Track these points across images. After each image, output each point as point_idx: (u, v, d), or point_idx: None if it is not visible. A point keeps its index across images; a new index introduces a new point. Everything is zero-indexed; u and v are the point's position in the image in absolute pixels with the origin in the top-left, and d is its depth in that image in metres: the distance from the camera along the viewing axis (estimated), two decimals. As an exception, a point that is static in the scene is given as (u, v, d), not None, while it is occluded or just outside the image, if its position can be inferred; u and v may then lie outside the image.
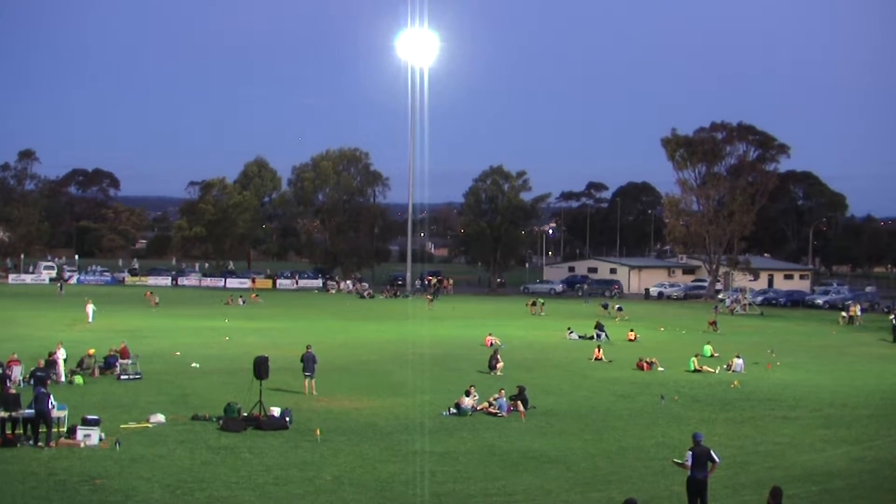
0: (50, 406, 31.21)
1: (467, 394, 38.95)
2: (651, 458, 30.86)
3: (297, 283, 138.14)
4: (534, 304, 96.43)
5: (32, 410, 31.53)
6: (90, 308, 72.62)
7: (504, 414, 37.89)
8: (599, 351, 57.80)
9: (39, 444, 30.48)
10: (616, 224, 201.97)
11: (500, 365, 50.54)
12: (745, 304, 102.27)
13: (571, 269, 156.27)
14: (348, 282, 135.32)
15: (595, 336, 67.05)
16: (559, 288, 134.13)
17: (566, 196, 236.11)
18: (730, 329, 79.48)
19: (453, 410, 38.02)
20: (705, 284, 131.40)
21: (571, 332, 69.40)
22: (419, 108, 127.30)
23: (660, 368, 52.75)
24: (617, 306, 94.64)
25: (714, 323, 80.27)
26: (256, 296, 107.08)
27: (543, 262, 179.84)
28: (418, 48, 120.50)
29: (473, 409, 38.24)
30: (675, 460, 25.03)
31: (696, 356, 54.52)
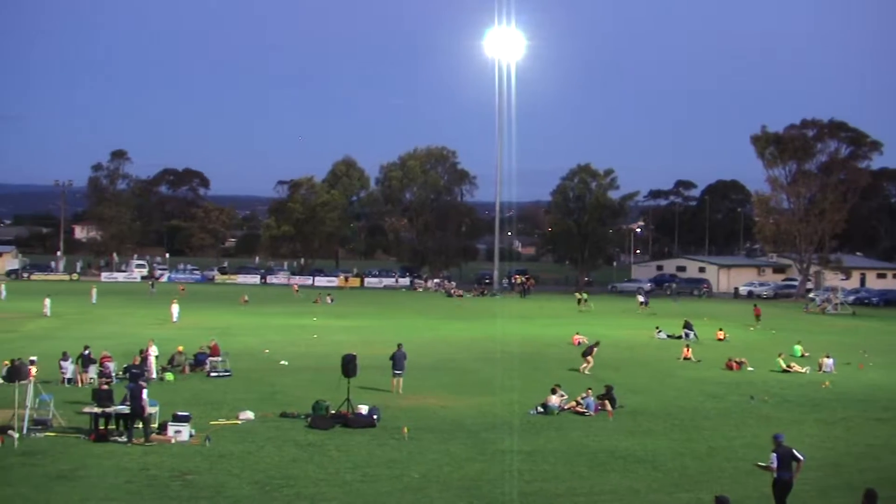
0: (143, 400, 31.67)
1: (554, 392, 38.83)
2: (740, 459, 30.47)
3: (397, 280, 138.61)
4: (580, 301, 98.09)
5: (125, 406, 32.10)
6: (175, 308, 73.29)
7: (591, 413, 37.70)
8: (688, 350, 57.35)
9: (134, 440, 30.90)
10: (705, 222, 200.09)
11: (589, 364, 50.38)
12: (836, 304, 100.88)
13: (660, 267, 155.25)
14: (436, 280, 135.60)
15: (683, 335, 66.50)
16: (647, 287, 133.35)
17: (654, 194, 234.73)
18: (821, 329, 78.54)
19: (540, 409, 37.91)
20: (796, 283, 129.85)
21: (660, 332, 68.88)
22: (506, 107, 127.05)
23: (749, 368, 52.12)
24: (641, 300, 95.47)
25: (758, 314, 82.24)
26: (297, 289, 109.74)
27: (631, 261, 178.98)
28: (505, 46, 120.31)
29: (560, 407, 38.11)
30: (760, 464, 24.63)
31: (780, 355, 53.92)
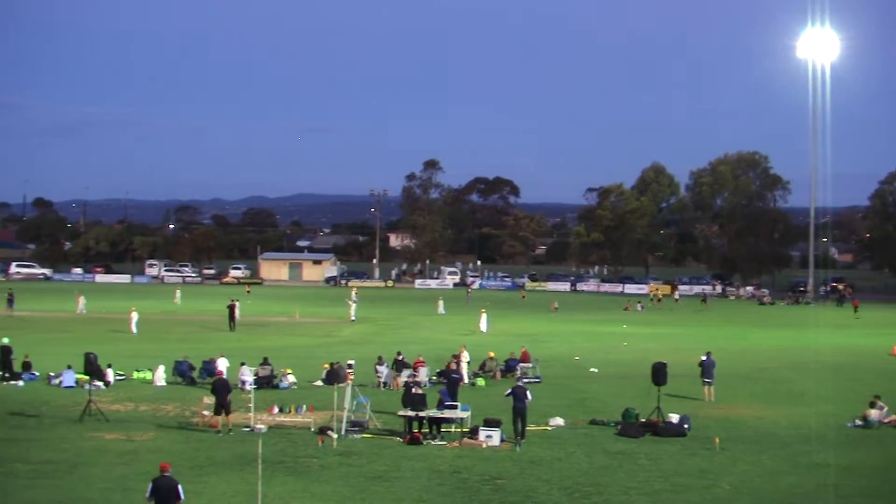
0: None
1: (873, 405, 37.34)
2: None
3: (714, 288, 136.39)
4: (658, 299, 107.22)
5: (438, 410, 33.05)
6: (484, 317, 73.58)
7: (914, 427, 36.10)
8: None
9: (441, 441, 31.65)
10: None
11: None
12: None
13: None
14: (748, 288, 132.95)
15: None
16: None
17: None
18: None
19: (859, 422, 36.53)
20: None
21: None
22: (820, 109, 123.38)
23: None
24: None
25: (856, 307, 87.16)
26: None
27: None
28: (819, 47, 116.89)
29: (880, 421, 36.63)
30: None
31: None
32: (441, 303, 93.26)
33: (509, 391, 33.55)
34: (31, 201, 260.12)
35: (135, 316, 70.24)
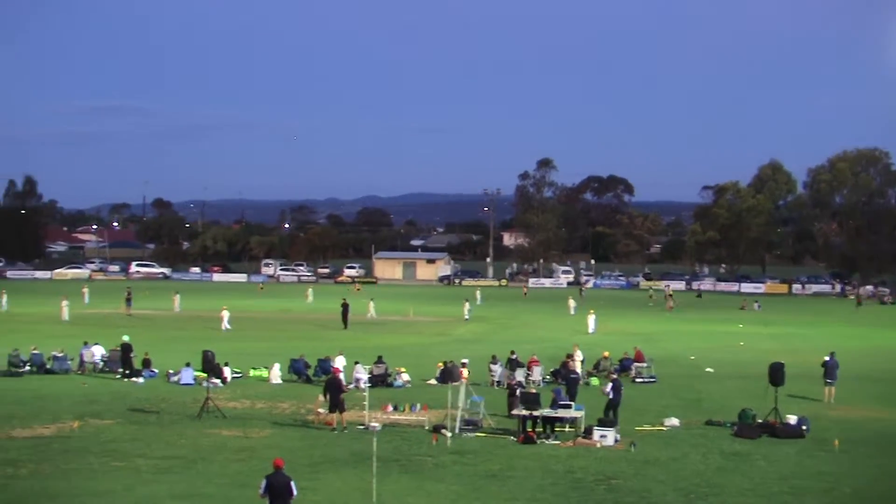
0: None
1: None
2: None
3: (859, 290, 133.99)
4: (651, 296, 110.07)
5: (552, 409, 33.05)
6: (592, 318, 71.69)
7: None
8: None
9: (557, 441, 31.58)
10: None
11: None
12: None
13: None
14: (868, 287, 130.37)
15: None
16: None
17: None
18: None
19: (984, 425, 35.68)
20: None
21: None
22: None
23: None
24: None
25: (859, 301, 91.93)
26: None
27: None
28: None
29: None
30: None
31: None
32: (572, 303, 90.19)
33: (609, 386, 34.76)
34: (151, 202, 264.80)
35: (226, 314, 71.24)
